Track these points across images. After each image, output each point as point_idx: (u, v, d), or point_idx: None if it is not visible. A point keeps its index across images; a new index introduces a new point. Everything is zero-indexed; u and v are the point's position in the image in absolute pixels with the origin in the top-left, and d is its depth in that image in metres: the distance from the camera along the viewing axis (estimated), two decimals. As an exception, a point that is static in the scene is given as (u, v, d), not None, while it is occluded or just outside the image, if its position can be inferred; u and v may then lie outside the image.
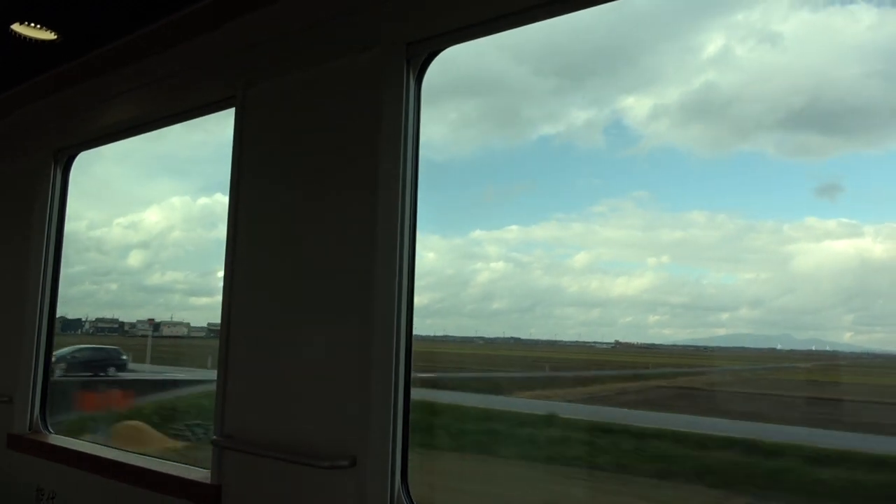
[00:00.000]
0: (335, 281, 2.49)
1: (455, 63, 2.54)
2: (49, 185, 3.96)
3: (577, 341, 7.64)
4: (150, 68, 3.42)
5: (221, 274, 2.90)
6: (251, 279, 2.81)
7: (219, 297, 2.90)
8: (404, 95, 2.43)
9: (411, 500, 2.31)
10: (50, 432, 3.82)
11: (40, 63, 3.61)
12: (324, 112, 2.66)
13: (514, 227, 8.08)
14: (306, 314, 2.58)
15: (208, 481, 2.76)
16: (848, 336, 5.55)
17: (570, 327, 7.86)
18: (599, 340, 7.58)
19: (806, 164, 5.70)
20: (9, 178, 4.34)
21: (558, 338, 7.81)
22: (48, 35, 3.22)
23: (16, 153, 4.28)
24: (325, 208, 2.59)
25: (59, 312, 4.10)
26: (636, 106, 7.17)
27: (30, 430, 3.82)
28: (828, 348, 5.98)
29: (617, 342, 7.51)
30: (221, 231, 2.93)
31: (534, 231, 8.01)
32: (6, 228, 4.28)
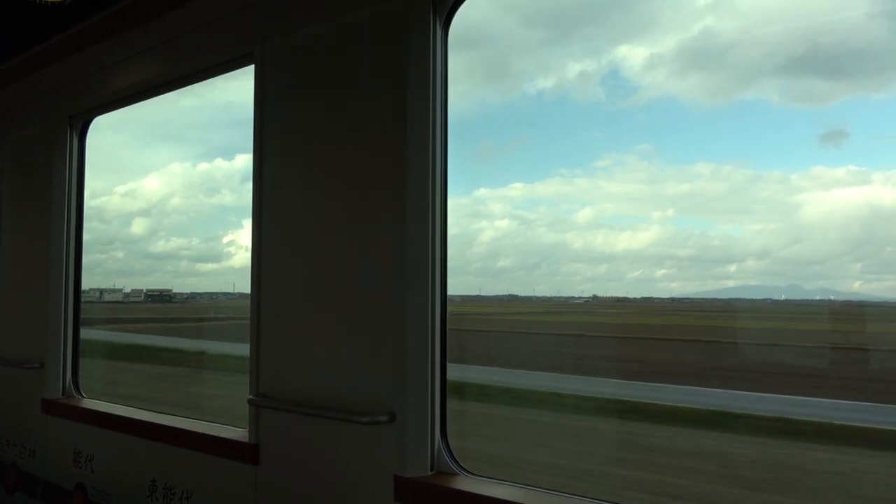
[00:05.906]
0: (367, 239, 2.48)
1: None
2: (66, 151, 3.92)
3: (553, 296, 7.88)
4: (162, 28, 3.36)
5: (227, 240, 2.89)
6: (279, 239, 2.80)
7: (225, 263, 2.91)
8: (430, 44, 2.37)
9: (452, 454, 2.33)
10: (83, 396, 3.88)
11: (50, 26, 3.56)
12: (347, 65, 2.60)
13: (518, 185, 8.06)
14: (338, 272, 2.57)
15: (246, 440, 2.80)
16: (857, 285, 5.50)
17: (577, 283, 7.94)
18: (575, 295, 7.84)
19: (810, 110, 5.65)
20: (26, 144, 4.30)
21: (560, 293, 7.94)
22: None
23: (32, 119, 4.23)
24: (354, 165, 2.55)
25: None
26: (630, 56, 7.03)
27: (63, 394, 3.88)
28: (831, 297, 5.97)
29: (594, 296, 7.64)
30: (224, 197, 2.91)
31: (538, 188, 8.01)
32: (27, 195, 4.27)
